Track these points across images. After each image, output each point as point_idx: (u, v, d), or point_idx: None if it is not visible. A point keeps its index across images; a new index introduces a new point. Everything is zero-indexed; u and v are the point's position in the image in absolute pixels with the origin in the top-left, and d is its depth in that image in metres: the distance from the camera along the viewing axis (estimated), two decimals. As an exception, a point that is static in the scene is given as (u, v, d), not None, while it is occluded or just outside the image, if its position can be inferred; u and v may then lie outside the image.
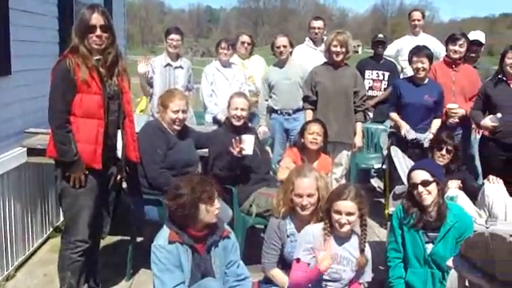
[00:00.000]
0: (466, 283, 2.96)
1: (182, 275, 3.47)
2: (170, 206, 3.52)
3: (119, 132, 4.13)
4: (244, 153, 4.82)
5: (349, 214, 3.61)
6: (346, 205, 3.61)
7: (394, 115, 5.83)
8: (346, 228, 3.65)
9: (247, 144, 4.84)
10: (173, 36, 6.66)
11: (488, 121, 5.43)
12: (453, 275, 2.88)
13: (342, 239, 3.73)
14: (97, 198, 4.01)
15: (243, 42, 7.15)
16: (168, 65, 6.63)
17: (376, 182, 7.73)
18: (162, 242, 3.47)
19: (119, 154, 4.19)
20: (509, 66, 5.48)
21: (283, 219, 3.98)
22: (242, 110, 5.10)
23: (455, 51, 6.14)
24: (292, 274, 3.73)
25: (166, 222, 3.61)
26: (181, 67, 6.71)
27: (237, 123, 5.10)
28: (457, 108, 5.93)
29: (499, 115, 5.32)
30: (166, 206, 3.60)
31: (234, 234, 3.83)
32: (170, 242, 3.46)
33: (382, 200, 6.36)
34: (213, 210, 3.49)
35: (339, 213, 3.61)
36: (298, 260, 3.70)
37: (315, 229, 3.75)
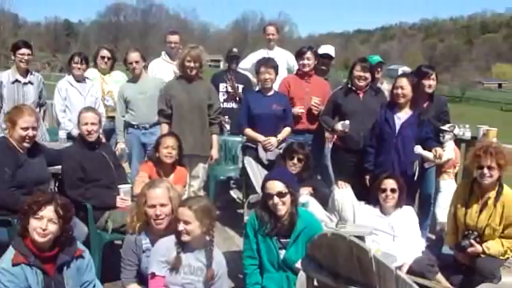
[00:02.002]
0: (315, 283, 3.10)
1: (30, 299, 3.30)
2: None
3: None
4: (126, 204, 4.84)
5: (185, 222, 3.62)
6: (183, 212, 3.64)
7: (247, 131, 5.92)
8: (186, 238, 3.64)
9: (128, 195, 4.91)
10: (23, 50, 6.42)
11: (339, 125, 5.74)
12: (302, 276, 3.00)
13: (195, 250, 3.74)
14: None
15: (103, 57, 7.01)
16: (16, 81, 6.38)
17: (235, 193, 7.83)
18: (6, 265, 3.27)
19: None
20: (356, 77, 5.84)
21: (138, 234, 3.94)
22: (92, 124, 5.00)
23: (304, 65, 6.42)
24: None
25: (12, 242, 3.43)
26: (30, 83, 6.47)
27: (89, 139, 4.99)
28: (319, 101, 6.21)
29: (347, 122, 5.66)
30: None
31: (88, 253, 3.71)
32: (15, 264, 3.27)
33: (242, 210, 6.48)
34: (35, 226, 3.29)
35: (178, 221, 3.65)
36: (154, 275, 3.67)
37: (168, 242, 3.74)
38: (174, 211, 3.86)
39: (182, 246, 3.69)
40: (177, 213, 3.69)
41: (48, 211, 3.32)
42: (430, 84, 5.88)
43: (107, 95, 6.91)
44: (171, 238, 3.75)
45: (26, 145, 4.60)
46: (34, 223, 3.30)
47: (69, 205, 3.49)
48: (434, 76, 5.93)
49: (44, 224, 3.29)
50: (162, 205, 3.88)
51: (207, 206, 3.77)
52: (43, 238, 3.31)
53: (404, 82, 5.39)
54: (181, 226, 3.62)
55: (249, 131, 5.91)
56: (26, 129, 4.54)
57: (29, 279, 3.30)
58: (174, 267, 3.66)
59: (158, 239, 3.88)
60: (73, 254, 3.52)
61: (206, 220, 3.67)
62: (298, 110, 6.24)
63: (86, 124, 4.99)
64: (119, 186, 4.94)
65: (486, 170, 4.40)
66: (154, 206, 3.87)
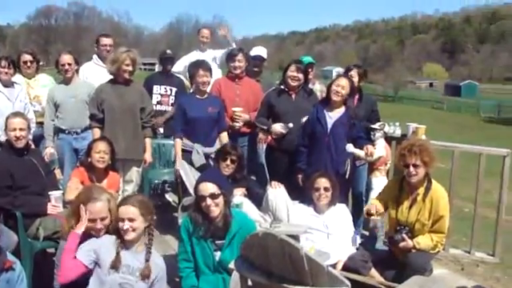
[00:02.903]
0: (249, 283, 3.11)
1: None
2: None
3: None
4: (57, 210, 4.76)
5: (130, 219, 3.65)
6: (126, 210, 3.66)
7: (177, 142, 5.85)
8: (130, 235, 3.66)
9: (59, 201, 4.81)
10: None
11: (278, 127, 5.80)
12: (235, 276, 3.01)
13: (132, 250, 3.73)
14: None
15: (25, 62, 6.80)
16: None
17: (171, 197, 7.78)
18: None
19: None
20: (290, 77, 5.92)
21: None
22: (20, 130, 4.87)
23: (235, 67, 6.43)
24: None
25: None
26: None
27: (18, 145, 4.85)
28: (241, 111, 6.22)
29: (290, 125, 5.74)
30: None
31: (19, 264, 3.61)
32: None
33: (177, 214, 6.44)
34: None
35: (122, 220, 3.65)
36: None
37: (107, 240, 3.75)
38: (113, 221, 3.83)
39: (121, 246, 3.68)
40: (118, 213, 3.69)
41: None
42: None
43: (34, 100, 6.69)
44: (110, 238, 3.74)
45: None
46: None
47: None
48: (353, 72, 6.09)
49: None
50: (103, 218, 3.84)
51: (146, 200, 3.83)
52: None
53: (344, 81, 5.51)
54: (126, 225, 3.63)
55: (178, 143, 5.83)
56: None
57: None
58: (114, 266, 3.63)
59: None
60: (1, 266, 3.42)
61: (147, 215, 3.72)
62: (237, 109, 6.25)
63: (14, 130, 4.85)
64: (50, 193, 4.82)
65: (411, 169, 4.52)
66: (94, 221, 3.82)
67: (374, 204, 4.87)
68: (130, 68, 5.76)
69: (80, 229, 3.74)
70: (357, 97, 6.10)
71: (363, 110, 6.06)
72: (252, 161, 6.55)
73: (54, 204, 4.79)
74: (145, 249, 3.77)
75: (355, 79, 6.04)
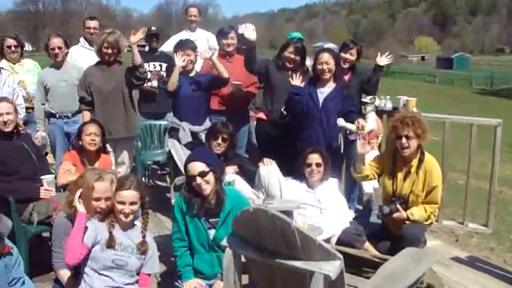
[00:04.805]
0: (242, 259, 3.12)
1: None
2: None
3: None
4: (50, 195, 4.73)
5: (132, 203, 3.71)
6: (130, 194, 3.70)
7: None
8: (130, 218, 3.74)
9: (51, 185, 4.79)
10: None
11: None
12: (228, 253, 3.01)
13: (125, 228, 3.79)
14: None
15: (9, 46, 6.74)
16: None
17: (164, 178, 7.81)
18: None
19: None
20: (287, 59, 5.88)
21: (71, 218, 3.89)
22: (7, 114, 4.83)
23: (228, 44, 6.43)
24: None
25: None
26: None
27: (6, 129, 4.83)
28: (241, 85, 6.22)
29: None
30: None
31: (16, 249, 3.63)
32: None
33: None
34: None
35: (123, 203, 3.69)
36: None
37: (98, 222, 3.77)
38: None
39: (112, 225, 3.73)
40: (119, 196, 3.72)
41: None
42: (346, 58, 5.98)
43: (18, 85, 6.67)
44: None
45: None
46: None
47: None
48: (353, 51, 6.02)
49: None
50: (107, 198, 3.85)
51: (141, 181, 3.96)
52: None
53: (326, 56, 5.42)
54: (127, 209, 3.70)
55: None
56: None
57: None
58: (109, 245, 3.68)
59: None
60: (0, 251, 3.44)
61: (145, 197, 3.82)
62: (236, 82, 6.22)
63: (1, 115, 4.81)
64: (42, 177, 4.80)
65: (403, 140, 4.52)
66: (99, 200, 3.84)
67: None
68: (110, 51, 5.74)
69: (83, 209, 3.73)
70: (349, 73, 6.07)
71: (356, 83, 6.02)
72: (243, 138, 6.56)
73: (47, 188, 4.77)
74: (138, 227, 3.83)
75: (353, 57, 6.01)
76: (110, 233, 3.70)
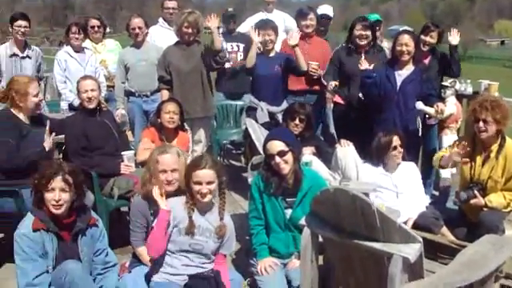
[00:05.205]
0: (320, 239, 3.13)
1: (45, 264, 3.37)
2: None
3: None
4: (130, 171, 4.87)
5: (209, 182, 3.64)
6: (206, 173, 3.64)
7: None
8: (208, 198, 3.68)
9: (131, 161, 4.92)
10: (20, 22, 6.42)
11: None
12: (306, 233, 3.01)
13: (203, 211, 3.78)
14: None
15: (93, 27, 6.97)
16: (14, 55, 6.41)
17: (239, 157, 7.88)
18: (25, 230, 3.35)
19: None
20: (358, 36, 5.82)
21: (148, 198, 3.97)
22: (91, 91, 5.00)
23: (307, 26, 6.41)
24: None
25: (31, 208, 3.49)
26: (28, 57, 6.51)
27: (90, 106, 5.00)
28: (318, 66, 6.17)
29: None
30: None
31: (101, 222, 3.77)
32: (34, 230, 3.35)
33: (246, 174, 6.52)
34: (49, 198, 3.37)
35: (199, 183, 3.63)
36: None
37: (177, 203, 3.77)
38: (181, 176, 3.91)
39: (192, 209, 3.72)
40: (195, 176, 3.64)
41: (58, 182, 3.38)
42: (426, 40, 5.84)
43: (100, 64, 6.88)
44: (180, 200, 3.78)
45: (37, 111, 4.65)
46: (47, 196, 3.37)
47: (77, 170, 3.56)
48: (434, 34, 5.87)
49: (57, 195, 3.36)
50: (173, 170, 3.93)
51: (218, 161, 3.90)
52: (59, 209, 3.39)
53: (406, 38, 5.32)
54: (205, 189, 3.63)
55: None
56: (37, 95, 4.56)
57: (46, 245, 3.38)
58: (188, 232, 3.68)
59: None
60: (87, 222, 3.60)
61: (221, 176, 3.75)
62: (313, 63, 6.20)
63: (86, 91, 4.99)
64: (123, 153, 4.97)
65: (481, 124, 4.40)
66: (165, 172, 3.92)
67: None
68: (190, 30, 5.83)
69: (166, 205, 3.73)
70: (429, 57, 5.94)
71: (436, 66, 5.89)
72: (320, 120, 6.53)
73: (127, 164, 4.93)
74: (216, 208, 3.82)
75: (434, 40, 5.88)
76: (190, 217, 3.71)
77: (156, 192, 3.75)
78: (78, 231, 3.53)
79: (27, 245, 3.32)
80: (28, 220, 3.41)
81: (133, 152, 5.05)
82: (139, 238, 4.01)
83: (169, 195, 3.94)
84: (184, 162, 4.05)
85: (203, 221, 3.76)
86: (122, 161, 4.95)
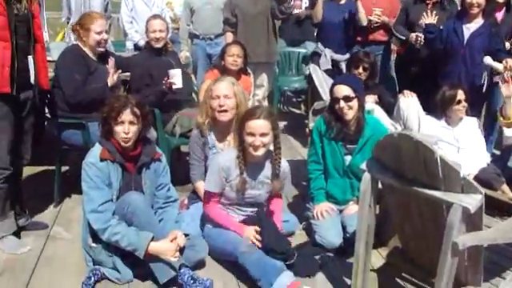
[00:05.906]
0: (379, 185, 3.13)
1: (110, 193, 3.49)
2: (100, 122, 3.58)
3: (30, 58, 3.83)
4: (174, 87, 4.86)
5: (263, 134, 3.53)
6: (260, 124, 3.53)
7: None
8: (261, 151, 3.58)
9: (176, 78, 4.86)
10: None
11: (414, 36, 5.68)
12: (366, 178, 3.00)
13: (256, 164, 3.72)
14: (14, 124, 3.77)
15: None
16: (83, -8, 6.49)
17: (299, 105, 7.89)
18: (93, 159, 3.46)
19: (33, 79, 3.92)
20: None
21: (205, 131, 4.07)
22: (160, 31, 5.07)
23: None
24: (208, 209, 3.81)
25: (99, 139, 3.61)
26: None
27: (157, 45, 5.07)
28: (381, 12, 6.07)
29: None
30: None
31: (164, 157, 3.84)
32: (102, 160, 3.46)
33: (306, 121, 6.53)
34: (119, 131, 3.45)
35: (253, 134, 3.53)
36: (208, 193, 3.76)
37: (228, 157, 3.71)
38: (239, 106, 3.97)
39: (243, 163, 3.66)
40: (248, 127, 3.53)
41: (127, 115, 3.46)
42: None
43: (166, 6, 6.93)
44: (232, 153, 3.72)
45: (100, 49, 4.62)
46: (116, 129, 3.46)
47: (142, 102, 3.64)
48: None
49: (126, 128, 3.45)
50: (226, 96, 3.97)
51: (273, 112, 3.77)
52: (127, 142, 3.48)
53: None
54: (258, 141, 3.52)
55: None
56: (100, 33, 4.55)
57: (111, 175, 3.49)
58: (239, 190, 3.67)
59: (222, 137, 4.06)
60: (152, 156, 3.68)
61: (276, 129, 3.65)
62: (378, 9, 6.09)
63: (154, 31, 5.06)
64: (169, 70, 4.92)
65: None
66: (217, 97, 3.97)
67: None
68: None
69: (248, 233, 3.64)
70: (503, 11, 5.73)
71: (508, 25, 5.68)
72: (384, 70, 6.44)
73: (171, 80, 4.87)
74: (268, 160, 3.76)
75: None
76: (242, 174, 3.64)
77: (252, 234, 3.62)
78: (143, 164, 3.62)
79: (94, 173, 3.44)
80: (96, 150, 3.52)
81: (179, 70, 4.98)
82: (197, 171, 4.11)
83: (223, 126, 4.00)
84: (241, 91, 4.07)
85: (256, 173, 3.72)
86: (188, 102, 5.02)
